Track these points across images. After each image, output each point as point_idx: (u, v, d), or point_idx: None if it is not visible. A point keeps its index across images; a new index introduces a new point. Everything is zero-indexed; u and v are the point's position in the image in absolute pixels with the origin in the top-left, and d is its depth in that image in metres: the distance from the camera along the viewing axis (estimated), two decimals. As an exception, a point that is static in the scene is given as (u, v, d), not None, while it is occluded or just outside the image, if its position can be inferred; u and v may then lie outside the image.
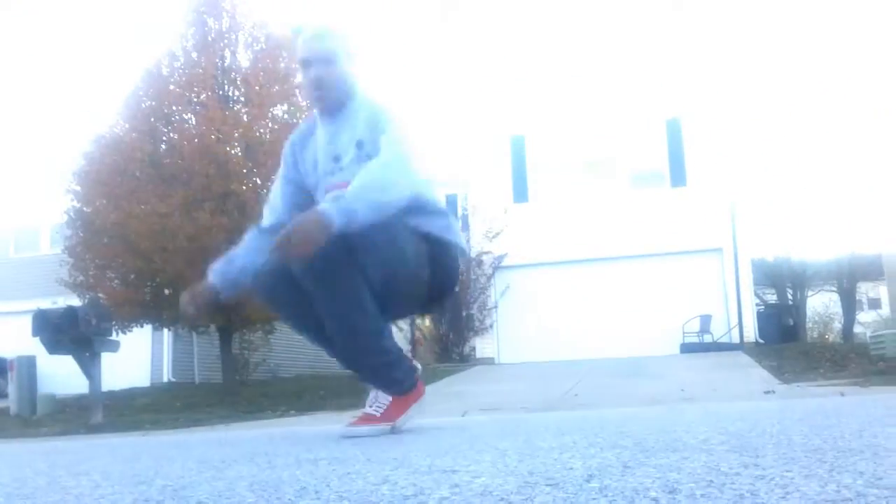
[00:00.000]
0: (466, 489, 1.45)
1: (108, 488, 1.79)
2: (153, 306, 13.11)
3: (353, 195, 2.71)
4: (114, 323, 12.14)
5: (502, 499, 1.34)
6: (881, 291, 31.33)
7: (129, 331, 13.54)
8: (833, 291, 31.43)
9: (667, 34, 18.39)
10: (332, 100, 3.14)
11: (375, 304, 2.89)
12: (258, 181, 13.64)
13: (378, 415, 3.01)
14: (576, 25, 18.32)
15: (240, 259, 3.40)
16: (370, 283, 2.84)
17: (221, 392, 13.20)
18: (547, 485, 1.45)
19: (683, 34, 18.08)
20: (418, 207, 2.99)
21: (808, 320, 30.99)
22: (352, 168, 2.98)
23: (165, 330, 16.23)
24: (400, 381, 3.06)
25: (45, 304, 11.30)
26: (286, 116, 14.06)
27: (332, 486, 1.57)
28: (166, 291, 13.32)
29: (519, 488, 1.43)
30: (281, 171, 3.51)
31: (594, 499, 1.31)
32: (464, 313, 18.68)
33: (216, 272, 3.35)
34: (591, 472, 1.57)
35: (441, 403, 8.47)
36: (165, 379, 17.93)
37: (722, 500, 1.26)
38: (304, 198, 3.32)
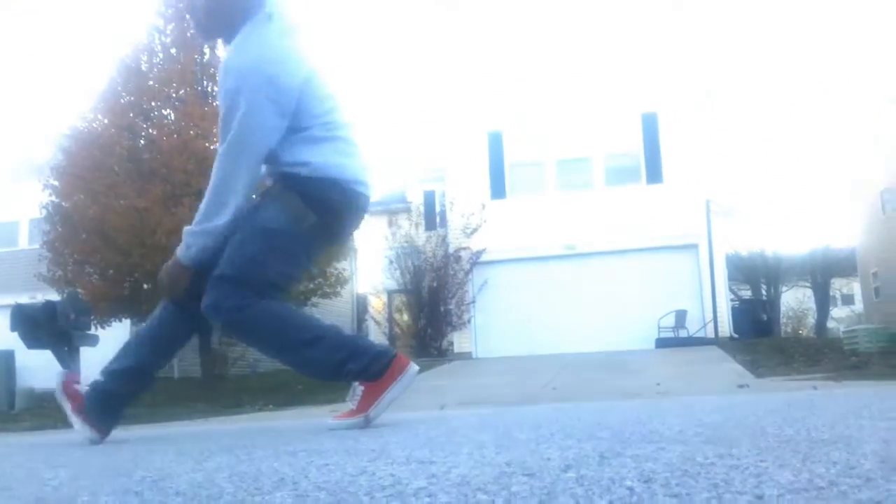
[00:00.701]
0: (444, 479, 1.46)
1: (87, 480, 1.79)
2: (132, 301, 13.02)
3: (186, 231, 3.03)
4: (93, 317, 12.06)
5: (479, 488, 1.35)
6: (854, 287, 31.72)
7: (109, 325, 13.45)
8: (807, 287, 31.73)
9: (642, 27, 18.45)
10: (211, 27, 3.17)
11: (296, 315, 3.12)
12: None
13: (354, 407, 3.04)
14: (552, 20, 18.37)
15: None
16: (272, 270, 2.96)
17: (201, 386, 13.14)
18: (524, 475, 1.47)
19: (659, 27, 18.14)
20: (301, 138, 2.93)
21: (782, 315, 31.26)
22: None
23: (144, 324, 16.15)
24: (365, 370, 3.02)
25: (24, 299, 11.21)
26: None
27: (311, 478, 1.58)
28: (145, 286, 13.23)
29: (496, 478, 1.44)
30: None
31: (571, 488, 1.33)
32: (441, 308, 18.70)
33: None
34: (568, 463, 1.58)
35: (419, 398, 8.47)
36: (144, 374, 17.84)
37: (697, 488, 1.28)
38: None
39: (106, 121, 13.45)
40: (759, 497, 1.21)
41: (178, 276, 3.06)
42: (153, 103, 13.73)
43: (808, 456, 1.53)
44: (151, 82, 13.67)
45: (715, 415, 2.75)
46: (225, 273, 2.92)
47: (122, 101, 13.47)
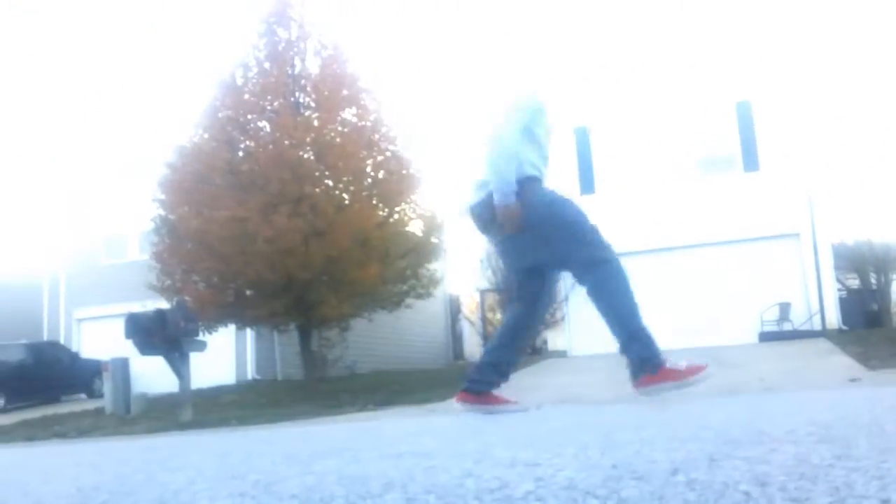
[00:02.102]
0: (551, 482, 1.46)
1: (203, 483, 1.85)
2: (236, 306, 13.45)
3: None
4: (200, 324, 12.49)
5: (588, 492, 1.34)
6: (969, 273, 30.04)
7: (215, 331, 13.88)
8: (920, 275, 30.23)
9: (735, 13, 17.94)
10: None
11: None
12: (329, 183, 13.84)
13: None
14: (640, 8, 18.06)
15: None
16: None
17: (303, 388, 13.46)
18: (632, 478, 1.44)
19: (752, 13, 17.61)
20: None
21: (892, 305, 29.84)
22: None
23: (248, 329, 16.63)
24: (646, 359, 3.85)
25: (136, 307, 11.68)
26: (355, 119, 14.24)
27: (418, 480, 1.59)
28: (248, 292, 13.63)
29: (604, 482, 1.43)
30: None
31: (682, 493, 1.30)
32: (536, 306, 18.61)
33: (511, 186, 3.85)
34: (675, 466, 1.55)
35: (516, 396, 8.45)
36: (249, 376, 18.37)
37: (816, 492, 1.24)
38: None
39: (206, 136, 13.90)
40: (885, 501, 1.17)
41: (510, 214, 3.81)
42: (249, 116, 14.12)
43: (932, 456, 1.46)
44: (247, 96, 14.05)
45: (827, 412, 2.66)
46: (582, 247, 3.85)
47: (220, 115, 13.89)
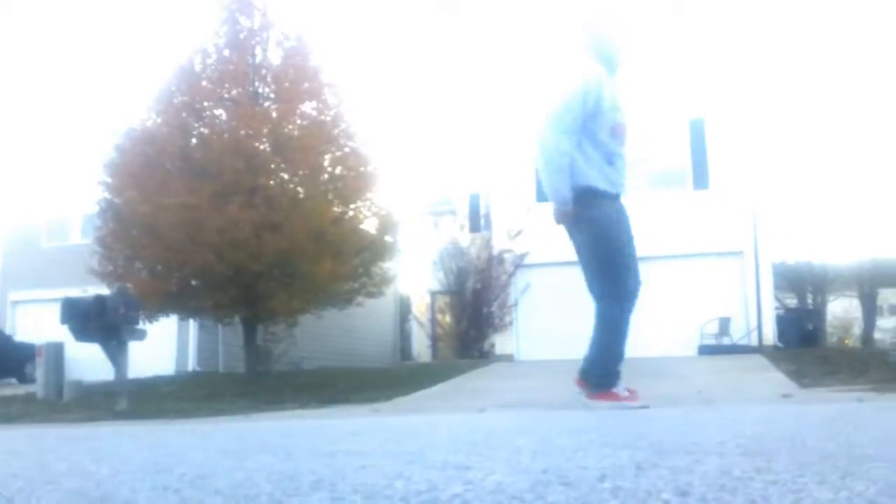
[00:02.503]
0: (479, 486, 1.47)
1: (128, 475, 1.82)
2: (180, 297, 13.22)
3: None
4: (141, 312, 12.28)
5: (515, 496, 1.36)
6: (902, 298, 31.04)
7: (156, 320, 13.66)
8: (853, 297, 31.13)
9: (691, 32, 18.23)
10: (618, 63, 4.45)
11: None
12: (285, 176, 13.72)
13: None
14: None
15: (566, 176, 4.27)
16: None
17: (245, 382, 13.29)
18: (560, 483, 1.47)
19: (708, 32, 17.91)
20: None
21: (827, 325, 30.69)
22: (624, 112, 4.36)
23: (191, 320, 16.38)
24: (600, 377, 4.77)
25: (75, 292, 11.44)
26: (315, 113, 14.14)
27: (348, 480, 1.59)
28: (193, 282, 13.43)
29: (532, 486, 1.44)
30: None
31: (606, 499, 1.32)
32: (484, 310, 18.68)
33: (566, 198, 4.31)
34: (604, 473, 1.58)
35: (460, 400, 8.48)
36: (190, 368, 18.11)
37: (733, 504, 1.27)
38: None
39: (159, 120, 13.66)
40: (797, 514, 1.20)
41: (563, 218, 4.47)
42: (206, 103, 13.91)
43: (848, 472, 1.51)
44: (205, 83, 13.86)
45: (756, 426, 2.72)
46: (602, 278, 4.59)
47: (175, 100, 13.68)
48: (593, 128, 4.26)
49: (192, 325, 17.70)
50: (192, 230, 12.24)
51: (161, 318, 13.83)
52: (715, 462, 1.69)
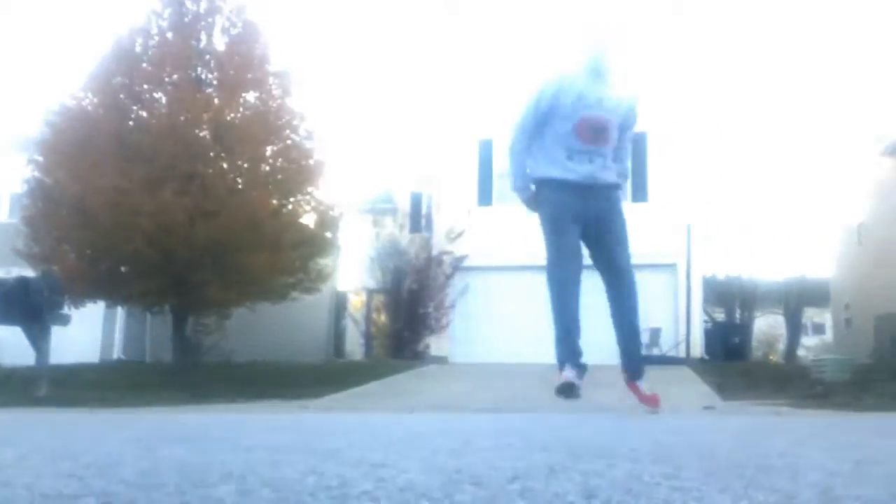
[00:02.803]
0: (390, 483, 1.47)
1: (35, 461, 1.78)
2: (109, 282, 12.90)
3: (626, 170, 4.98)
4: (66, 297, 11.93)
5: (423, 494, 1.36)
6: (826, 317, 31.97)
7: (82, 305, 13.32)
8: (780, 314, 31.97)
9: (636, 45, 18.54)
10: (606, 69, 4.64)
11: None
12: (224, 165, 13.52)
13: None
14: (547, 31, 18.44)
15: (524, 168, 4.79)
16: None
17: (171, 374, 13.03)
18: (470, 483, 1.47)
19: (652, 47, 18.23)
20: None
21: (753, 340, 31.46)
22: (610, 115, 4.61)
23: (119, 307, 16.02)
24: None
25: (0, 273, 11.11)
26: (258, 103, 13.97)
27: (259, 474, 1.57)
28: (122, 269, 13.13)
29: (443, 485, 1.45)
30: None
31: (513, 500, 1.33)
32: (420, 311, 18.67)
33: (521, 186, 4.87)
34: (516, 474, 1.59)
35: (390, 400, 8.47)
36: (115, 356, 17.70)
37: (636, 508, 1.29)
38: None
39: (96, 100, 13.33)
40: (694, 519, 1.23)
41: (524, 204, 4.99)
42: (145, 86, 13.63)
43: (751, 482, 1.54)
44: (145, 64, 13.56)
45: (672, 435, 2.78)
46: None
47: (113, 81, 13.35)
48: (554, 125, 4.60)
49: (120, 312, 17.29)
50: (124, 214, 11.96)
51: (87, 304, 13.49)
52: (626, 467, 1.71)
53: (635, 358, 5.01)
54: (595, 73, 4.65)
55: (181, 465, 1.68)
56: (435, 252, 18.89)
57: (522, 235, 17.82)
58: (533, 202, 4.82)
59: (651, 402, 4.82)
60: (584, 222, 4.70)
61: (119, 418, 4.14)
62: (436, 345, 18.75)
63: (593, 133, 4.59)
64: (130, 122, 13.33)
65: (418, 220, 21.27)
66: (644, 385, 4.88)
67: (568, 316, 4.74)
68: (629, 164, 5.09)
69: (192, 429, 2.88)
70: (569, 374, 4.63)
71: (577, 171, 4.59)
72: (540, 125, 4.64)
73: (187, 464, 1.72)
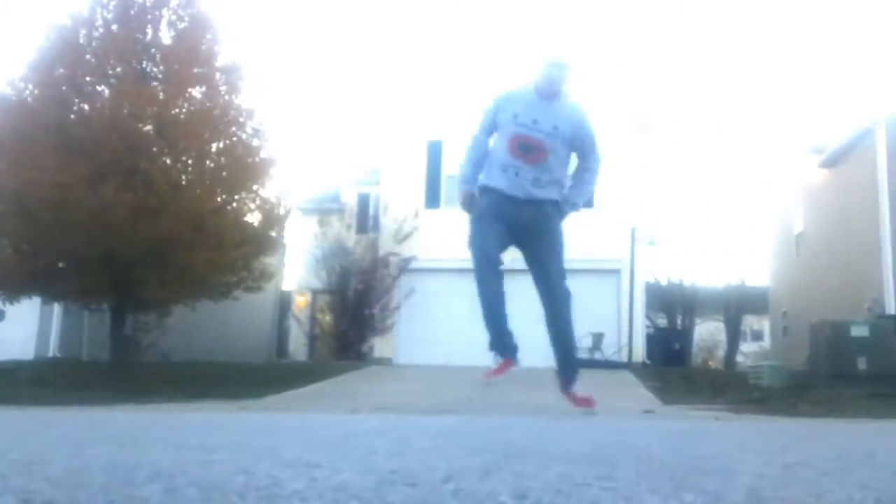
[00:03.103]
0: (323, 483, 1.46)
1: (-44, 459, 1.73)
2: (46, 278, 12.60)
3: (581, 197, 5.10)
4: (1, 291, 11.62)
5: (355, 495, 1.35)
6: (764, 324, 32.66)
7: (17, 301, 13.02)
8: (720, 321, 32.56)
9: (584, 48, 18.76)
10: (552, 95, 4.86)
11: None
12: (168, 161, 13.30)
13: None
14: (497, 35, 18.55)
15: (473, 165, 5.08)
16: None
17: (109, 372, 12.77)
18: (404, 484, 1.47)
19: (601, 56, 18.46)
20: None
21: (694, 346, 32.02)
22: (545, 138, 4.80)
23: (56, 304, 15.68)
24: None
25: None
26: (203, 99, 13.76)
27: (188, 473, 1.55)
28: (60, 264, 12.84)
29: (376, 486, 1.44)
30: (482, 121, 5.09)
31: (445, 500, 1.33)
32: (366, 312, 18.60)
33: (464, 179, 5.15)
34: (451, 475, 1.59)
35: (332, 401, 8.43)
36: (51, 354, 17.29)
37: (565, 508, 1.30)
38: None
39: (37, 91, 13.00)
40: (622, 518, 1.24)
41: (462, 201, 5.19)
42: (88, 78, 13.35)
43: (682, 483, 1.57)
44: (88, 56, 13.28)
45: (609, 437, 2.81)
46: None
47: (55, 72, 13.05)
48: (499, 137, 4.97)
49: (56, 308, 16.90)
50: (64, 210, 11.69)
51: (23, 300, 13.17)
52: (560, 468, 1.73)
53: (566, 367, 5.17)
54: (542, 96, 4.89)
55: (110, 464, 1.65)
56: (381, 253, 18.84)
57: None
58: (468, 202, 5.08)
59: (586, 403, 4.97)
60: (513, 231, 4.93)
61: (51, 416, 4.04)
62: (380, 346, 18.70)
63: (523, 151, 4.84)
64: (73, 116, 13.03)
65: (365, 220, 21.19)
66: (578, 388, 5.06)
67: (487, 302, 5.00)
68: (593, 190, 5.25)
69: (125, 428, 2.83)
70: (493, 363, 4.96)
71: (505, 182, 4.87)
72: (491, 130, 5.03)
73: (116, 463, 1.68)
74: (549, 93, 4.89)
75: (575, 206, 5.04)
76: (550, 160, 4.85)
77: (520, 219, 4.89)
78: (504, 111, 4.94)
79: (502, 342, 4.97)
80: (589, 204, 5.14)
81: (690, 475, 1.70)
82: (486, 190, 5.01)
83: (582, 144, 4.99)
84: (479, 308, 5.02)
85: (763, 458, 2.14)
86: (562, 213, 5.00)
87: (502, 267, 5.00)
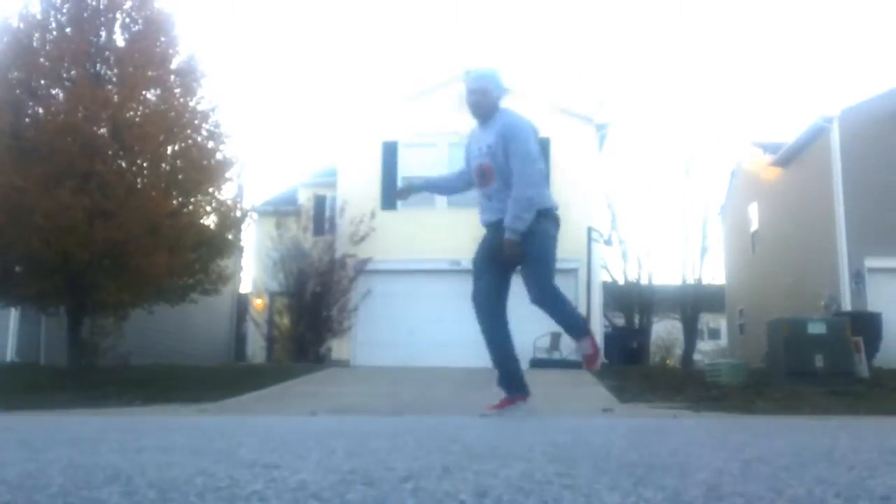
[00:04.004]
0: (282, 484, 1.46)
1: None
2: (1, 282, 12.42)
3: (512, 219, 4.75)
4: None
5: (314, 494, 1.35)
6: (721, 322, 33.14)
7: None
8: (677, 319, 32.92)
9: (545, 52, 18.90)
10: (481, 115, 5.03)
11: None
12: (123, 164, 13.14)
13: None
14: (452, 34, 18.61)
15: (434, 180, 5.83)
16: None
17: (67, 376, 12.59)
18: (363, 483, 1.47)
19: (558, 58, 18.62)
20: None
21: (651, 345, 32.36)
22: (486, 159, 4.90)
23: (12, 308, 15.43)
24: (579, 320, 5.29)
25: None
26: (158, 101, 13.61)
27: (147, 475, 1.54)
28: (17, 268, 12.64)
29: (334, 485, 1.45)
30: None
31: (404, 499, 1.34)
32: (323, 314, 18.51)
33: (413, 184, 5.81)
34: (410, 474, 1.60)
35: (292, 403, 8.39)
36: (8, 358, 16.98)
37: (526, 504, 1.31)
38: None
39: (-9, 94, 12.79)
40: (583, 514, 1.26)
41: (517, 251, 4.79)
42: (42, 81, 13.16)
43: (641, 480, 1.58)
44: (42, 59, 13.09)
45: (569, 436, 2.83)
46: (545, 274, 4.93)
47: (9, 76, 12.85)
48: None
49: (13, 312, 16.60)
50: (19, 213, 11.53)
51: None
52: (520, 467, 1.74)
53: (568, 330, 5.26)
54: (478, 123, 5.10)
55: (68, 467, 1.63)
56: (338, 255, 18.78)
57: (425, 240, 18.02)
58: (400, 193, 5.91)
59: (588, 361, 5.18)
60: (495, 256, 4.92)
61: (7, 421, 3.97)
62: (338, 348, 18.64)
63: (479, 178, 5.01)
64: (27, 119, 12.86)
65: (322, 222, 21.07)
66: (586, 345, 5.12)
67: (491, 345, 5.00)
68: (524, 197, 4.80)
69: (83, 431, 2.79)
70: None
71: (480, 213, 5.13)
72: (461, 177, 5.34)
73: (74, 465, 1.67)
74: (477, 116, 5.06)
75: (513, 230, 4.73)
76: (499, 179, 4.88)
77: (495, 243, 4.90)
78: (471, 147, 5.13)
79: (508, 380, 4.97)
80: (529, 210, 4.78)
81: (649, 472, 1.71)
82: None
83: (506, 143, 4.82)
84: (487, 349, 5.04)
85: (722, 455, 2.18)
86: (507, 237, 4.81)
87: (501, 307, 5.01)
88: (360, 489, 1.41)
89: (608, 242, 19.72)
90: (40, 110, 12.96)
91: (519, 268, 4.94)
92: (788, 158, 20.00)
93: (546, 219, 4.87)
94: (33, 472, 1.57)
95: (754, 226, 23.40)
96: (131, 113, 13.06)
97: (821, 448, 2.46)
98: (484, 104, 4.99)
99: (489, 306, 4.94)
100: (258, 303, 23.53)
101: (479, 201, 5.10)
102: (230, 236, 14.77)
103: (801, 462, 1.97)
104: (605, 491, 1.45)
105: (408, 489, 1.42)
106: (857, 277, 16.76)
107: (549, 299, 4.93)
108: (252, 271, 23.96)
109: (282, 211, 22.31)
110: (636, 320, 31.74)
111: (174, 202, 13.18)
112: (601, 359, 5.20)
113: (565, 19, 62.77)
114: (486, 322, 4.94)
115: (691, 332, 31.72)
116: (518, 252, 4.75)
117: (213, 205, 14.19)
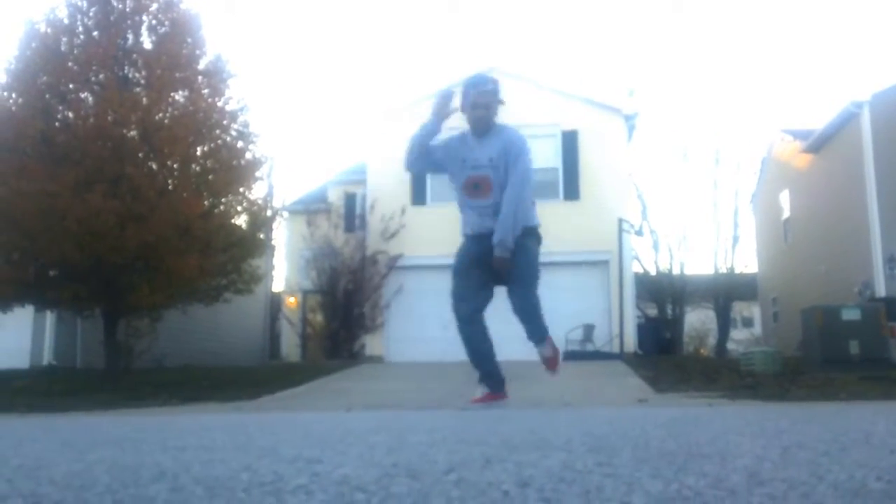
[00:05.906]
0: (326, 478, 1.47)
1: (-40, 466, 1.73)
2: (37, 286, 12.57)
3: (501, 228, 4.92)
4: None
5: (359, 487, 1.36)
6: (754, 311, 32.79)
7: (10, 310, 12.98)
8: (710, 309, 32.59)
9: (570, 46, 18.81)
10: (482, 129, 5.14)
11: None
12: (154, 166, 13.25)
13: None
14: (478, 28, 18.55)
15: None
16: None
17: (103, 378, 12.76)
18: (406, 476, 1.48)
19: (584, 47, 18.52)
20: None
21: (685, 335, 32.08)
22: (487, 171, 5.06)
23: (48, 312, 15.65)
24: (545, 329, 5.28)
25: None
26: (187, 103, 13.70)
27: (192, 472, 1.56)
28: (51, 273, 12.80)
29: (378, 478, 1.45)
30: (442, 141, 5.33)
31: (448, 490, 1.35)
32: (356, 311, 18.60)
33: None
34: (452, 466, 1.60)
35: (326, 399, 8.43)
36: (46, 362, 17.23)
37: (568, 494, 1.31)
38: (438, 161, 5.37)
39: (21, 100, 12.93)
40: (626, 503, 1.26)
41: (508, 263, 4.97)
42: (71, 86, 13.25)
43: (682, 468, 1.58)
44: (71, 64, 13.21)
45: (606, 426, 2.83)
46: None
47: (38, 81, 12.98)
48: (454, 186, 5.35)
49: (49, 316, 16.86)
50: (52, 219, 11.66)
51: (15, 308, 13.15)
52: (561, 457, 1.74)
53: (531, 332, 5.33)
54: (475, 134, 5.18)
55: (113, 466, 1.66)
56: (370, 252, 18.84)
57: (456, 234, 18.02)
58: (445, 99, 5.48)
59: (549, 363, 5.36)
60: (483, 267, 5.12)
61: (49, 423, 4.04)
62: (371, 344, 18.71)
63: (473, 190, 5.15)
64: (57, 124, 12.98)
65: (353, 219, 21.18)
66: (546, 348, 5.33)
67: (471, 349, 5.23)
68: (514, 212, 5.03)
69: (124, 431, 2.83)
70: (479, 392, 5.14)
71: (466, 223, 5.30)
72: (433, 161, 5.45)
73: (119, 465, 1.69)
74: (478, 129, 5.15)
75: (502, 245, 4.94)
76: (495, 193, 5.01)
77: (483, 254, 5.06)
78: (457, 158, 5.22)
79: (489, 378, 5.15)
80: (517, 228, 5.03)
81: (689, 460, 1.71)
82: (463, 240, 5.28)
83: (509, 159, 5.01)
84: (465, 352, 5.27)
85: (760, 442, 2.16)
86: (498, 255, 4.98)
87: (481, 314, 5.27)
88: (404, 482, 1.42)
89: (639, 233, 19.59)
90: (70, 115, 13.08)
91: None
92: (819, 145, 19.73)
93: (530, 236, 5.09)
94: (80, 471, 1.59)
95: (786, 213, 23.13)
96: (160, 115, 13.15)
97: (859, 433, 2.43)
98: (487, 118, 5.11)
99: (469, 314, 5.20)
100: (291, 301, 23.70)
101: (464, 211, 5.26)
102: (261, 236, 14.85)
103: (840, 447, 1.96)
104: (646, 479, 1.45)
105: (451, 481, 1.43)
106: (891, 263, 16.50)
107: (529, 310, 5.17)
108: (284, 270, 24.14)
109: (312, 209, 22.43)
110: (669, 310, 31.49)
111: (205, 203, 13.25)
112: (561, 361, 5.51)
113: (594, 10, 62.41)
114: (466, 329, 5.24)
115: (724, 322, 31.41)
116: (508, 267, 4.94)
117: (244, 205, 14.27)
